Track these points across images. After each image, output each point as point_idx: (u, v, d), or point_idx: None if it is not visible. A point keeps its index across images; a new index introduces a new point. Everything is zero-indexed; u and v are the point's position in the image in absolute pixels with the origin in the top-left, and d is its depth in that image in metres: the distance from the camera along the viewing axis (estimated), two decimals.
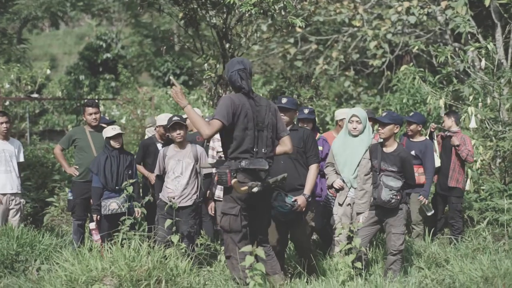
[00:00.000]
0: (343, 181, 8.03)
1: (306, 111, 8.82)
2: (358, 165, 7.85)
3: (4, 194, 9.13)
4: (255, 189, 6.13)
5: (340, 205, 8.07)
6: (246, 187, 6.09)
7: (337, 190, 8.12)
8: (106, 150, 8.78)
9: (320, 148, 8.71)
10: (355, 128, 7.94)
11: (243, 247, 5.47)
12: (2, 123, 9.27)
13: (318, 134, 9.05)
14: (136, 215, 8.36)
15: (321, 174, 8.66)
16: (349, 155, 7.95)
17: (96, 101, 9.90)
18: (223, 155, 8.12)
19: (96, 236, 8.29)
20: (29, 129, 18.83)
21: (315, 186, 8.58)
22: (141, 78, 34.62)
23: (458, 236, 9.22)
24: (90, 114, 9.36)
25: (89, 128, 9.42)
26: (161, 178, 8.52)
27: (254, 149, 6.22)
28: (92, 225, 8.41)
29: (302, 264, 7.09)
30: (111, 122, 10.01)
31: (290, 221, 7.03)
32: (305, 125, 8.64)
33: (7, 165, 9.22)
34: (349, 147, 7.97)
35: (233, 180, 6.07)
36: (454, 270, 7.15)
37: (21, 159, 9.55)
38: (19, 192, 9.36)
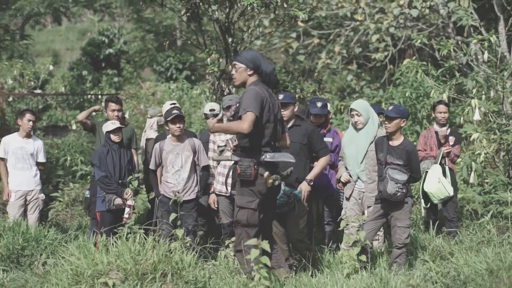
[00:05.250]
0: (350, 175, 8.04)
1: (319, 104, 8.61)
2: (364, 158, 7.86)
3: (19, 191, 9.19)
4: (276, 182, 6.16)
5: (347, 199, 8.09)
6: (272, 180, 6.10)
7: (344, 184, 8.14)
8: (107, 145, 8.73)
9: (330, 139, 8.68)
10: (356, 122, 7.95)
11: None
12: (29, 120, 9.28)
13: (330, 125, 8.94)
14: (125, 195, 8.41)
15: (331, 166, 8.64)
16: (354, 148, 7.95)
17: (120, 98, 9.75)
18: (224, 149, 8.20)
19: (127, 214, 8.25)
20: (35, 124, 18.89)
21: (326, 177, 8.62)
22: (144, 73, 34.61)
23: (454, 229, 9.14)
24: (113, 110, 9.28)
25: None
26: (155, 173, 8.52)
27: (272, 142, 6.26)
28: (130, 202, 8.39)
29: (307, 257, 7.10)
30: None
31: (284, 213, 7.03)
32: (317, 120, 8.63)
33: (24, 162, 9.23)
34: (354, 140, 7.97)
35: (266, 173, 6.08)
36: (458, 263, 7.15)
37: (40, 159, 9.49)
38: (37, 188, 9.37)
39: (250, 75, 6.35)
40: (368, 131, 7.89)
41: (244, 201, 6.21)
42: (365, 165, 7.86)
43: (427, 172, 8.98)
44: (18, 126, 9.41)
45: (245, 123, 5.97)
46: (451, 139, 9.36)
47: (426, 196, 9.02)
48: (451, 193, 8.92)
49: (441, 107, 9.54)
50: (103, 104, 10.10)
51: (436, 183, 8.86)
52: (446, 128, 9.48)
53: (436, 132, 9.51)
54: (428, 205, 9.03)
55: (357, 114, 7.91)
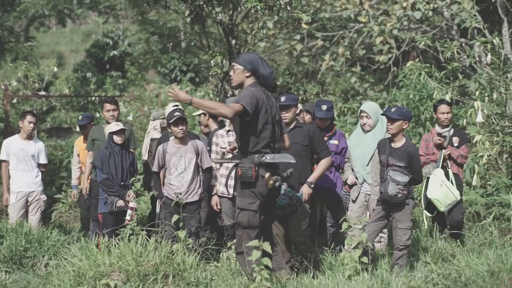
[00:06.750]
0: (356, 177, 8.05)
1: (324, 107, 8.56)
2: (370, 160, 7.86)
3: (20, 192, 9.22)
4: (277, 184, 6.17)
5: (353, 201, 8.10)
6: (272, 181, 6.11)
7: (351, 187, 8.14)
8: (109, 146, 8.71)
9: (336, 142, 8.66)
10: (365, 124, 7.96)
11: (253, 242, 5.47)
12: (30, 122, 9.33)
13: (335, 128, 8.92)
14: (127, 197, 8.41)
15: (336, 167, 8.63)
16: (361, 150, 7.96)
17: (116, 98, 9.73)
18: (226, 151, 8.20)
19: (129, 216, 8.23)
20: (37, 126, 18.97)
21: (329, 179, 8.59)
22: (148, 75, 34.65)
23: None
24: (108, 110, 9.27)
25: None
26: (159, 175, 8.50)
27: (272, 144, 6.27)
28: (133, 204, 8.37)
29: (308, 259, 7.11)
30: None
31: (286, 214, 7.02)
32: (323, 123, 8.62)
33: (26, 164, 9.28)
34: (362, 142, 7.99)
35: (267, 174, 6.09)
36: (460, 265, 7.15)
37: (42, 161, 9.55)
38: (38, 190, 9.41)
39: (247, 77, 6.36)
40: (375, 133, 7.91)
41: (245, 203, 6.21)
42: (371, 167, 7.87)
43: (428, 178, 8.66)
44: (20, 127, 9.43)
45: (231, 109, 5.96)
46: (455, 140, 8.91)
47: (431, 205, 8.60)
48: (458, 197, 8.48)
49: (443, 107, 8.93)
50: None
51: (439, 187, 8.45)
52: (449, 129, 8.97)
53: (439, 134, 8.96)
54: (435, 214, 8.66)
55: (366, 116, 7.94)
